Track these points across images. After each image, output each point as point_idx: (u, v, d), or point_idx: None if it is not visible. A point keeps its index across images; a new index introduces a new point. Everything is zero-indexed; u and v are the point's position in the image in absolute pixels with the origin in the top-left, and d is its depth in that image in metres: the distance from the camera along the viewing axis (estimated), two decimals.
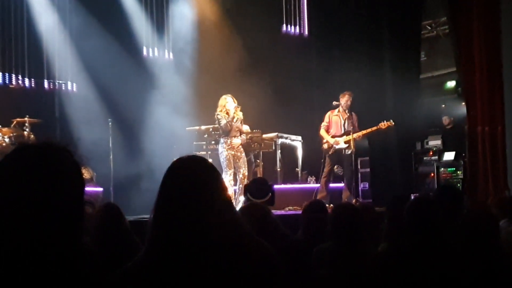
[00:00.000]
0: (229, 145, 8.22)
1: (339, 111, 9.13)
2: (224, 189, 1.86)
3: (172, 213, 1.75)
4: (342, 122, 9.07)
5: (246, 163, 8.47)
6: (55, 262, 1.35)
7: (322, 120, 9.27)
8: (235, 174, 8.29)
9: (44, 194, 1.36)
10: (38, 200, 1.36)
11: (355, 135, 8.88)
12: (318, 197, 8.49)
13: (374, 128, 9.01)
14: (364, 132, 9.02)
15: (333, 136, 9.05)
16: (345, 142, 8.98)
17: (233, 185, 8.23)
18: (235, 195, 8.09)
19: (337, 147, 9.00)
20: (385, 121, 9.05)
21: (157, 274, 1.71)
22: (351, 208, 3.70)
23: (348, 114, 9.06)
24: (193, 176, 1.79)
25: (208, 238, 1.72)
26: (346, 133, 8.99)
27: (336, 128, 9.08)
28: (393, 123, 9.05)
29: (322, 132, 9.18)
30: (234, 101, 8.22)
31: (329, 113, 9.22)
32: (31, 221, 1.34)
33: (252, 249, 1.78)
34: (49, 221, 1.35)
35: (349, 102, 9.02)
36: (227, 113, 8.18)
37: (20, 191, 1.36)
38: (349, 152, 8.97)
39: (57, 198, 1.38)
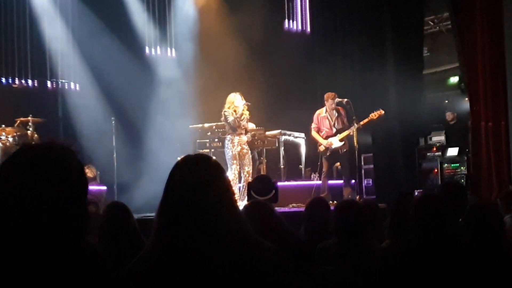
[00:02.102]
0: (235, 143, 8.22)
1: (326, 111, 9.08)
2: (229, 187, 1.86)
3: (178, 210, 1.75)
4: (332, 122, 9.02)
5: (251, 161, 8.46)
6: (59, 262, 1.35)
7: (312, 122, 9.21)
8: (239, 172, 8.29)
9: (47, 193, 1.37)
10: (42, 199, 1.36)
11: (349, 131, 8.83)
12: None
13: (366, 120, 8.87)
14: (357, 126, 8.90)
15: (326, 137, 9.01)
16: (340, 140, 8.95)
17: (238, 182, 8.24)
18: (239, 193, 8.10)
19: (332, 147, 8.96)
20: (375, 110, 8.95)
21: (162, 273, 1.71)
22: (354, 205, 3.70)
23: (336, 114, 9.03)
24: (199, 174, 1.80)
25: (212, 237, 1.72)
26: (338, 131, 8.96)
27: (327, 129, 9.03)
28: (383, 112, 8.90)
29: (314, 134, 9.15)
30: (242, 99, 8.21)
31: (316, 114, 9.16)
32: (34, 220, 1.35)
33: (253, 249, 1.78)
34: (53, 221, 1.36)
35: (333, 105, 8.95)
36: (235, 111, 8.17)
37: (24, 191, 1.37)
38: (345, 150, 8.97)
39: (60, 198, 1.38)
